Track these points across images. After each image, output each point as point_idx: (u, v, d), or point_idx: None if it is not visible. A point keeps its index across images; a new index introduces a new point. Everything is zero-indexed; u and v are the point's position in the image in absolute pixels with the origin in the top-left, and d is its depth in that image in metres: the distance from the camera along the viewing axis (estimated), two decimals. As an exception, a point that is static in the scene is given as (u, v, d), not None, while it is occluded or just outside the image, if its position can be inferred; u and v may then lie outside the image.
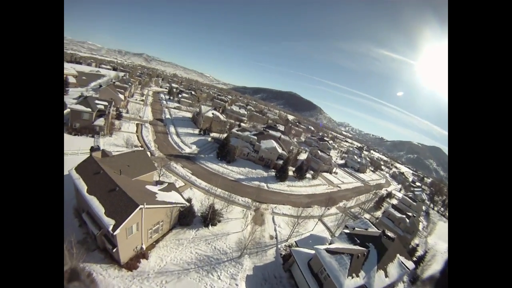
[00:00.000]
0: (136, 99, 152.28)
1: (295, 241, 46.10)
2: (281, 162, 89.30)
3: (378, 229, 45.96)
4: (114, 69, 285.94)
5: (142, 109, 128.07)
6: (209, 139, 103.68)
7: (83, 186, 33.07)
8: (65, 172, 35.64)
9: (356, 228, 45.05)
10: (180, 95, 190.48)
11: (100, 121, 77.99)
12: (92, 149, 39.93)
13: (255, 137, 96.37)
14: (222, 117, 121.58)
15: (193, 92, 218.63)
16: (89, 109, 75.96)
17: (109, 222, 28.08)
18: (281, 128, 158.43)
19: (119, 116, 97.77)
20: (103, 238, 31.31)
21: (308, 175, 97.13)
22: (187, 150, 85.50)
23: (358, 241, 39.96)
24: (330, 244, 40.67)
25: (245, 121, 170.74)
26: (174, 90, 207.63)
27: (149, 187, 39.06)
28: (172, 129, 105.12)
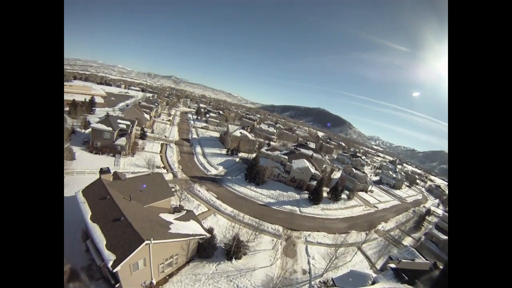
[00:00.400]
0: (162, 119, 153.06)
1: (332, 279, 38.21)
2: (314, 183, 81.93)
3: (426, 259, 40.84)
4: (143, 90, 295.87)
5: (168, 129, 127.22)
6: (237, 159, 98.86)
7: (87, 212, 29.39)
8: (72, 194, 33.79)
9: (402, 260, 39.41)
10: (207, 115, 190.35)
11: (122, 141, 75.94)
12: (102, 171, 35.73)
13: (286, 157, 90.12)
14: (250, 136, 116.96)
15: (221, 112, 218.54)
16: (110, 128, 74.44)
17: (109, 257, 23.48)
18: (312, 145, 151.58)
19: (143, 136, 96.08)
20: (106, 270, 26.48)
21: (343, 196, 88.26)
22: (213, 171, 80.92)
23: (407, 278, 33.67)
24: (374, 283, 33.94)
25: (275, 140, 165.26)
26: (202, 110, 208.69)
27: (163, 215, 33.84)
28: (198, 149, 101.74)
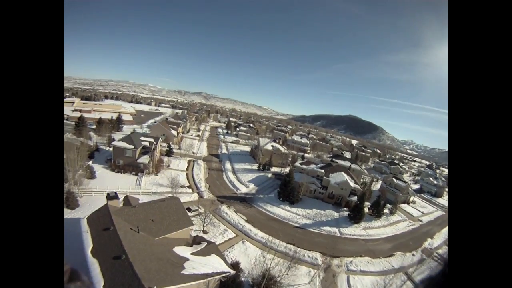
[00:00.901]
0: (191, 135, 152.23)
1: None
2: (354, 198, 73.91)
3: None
4: (173, 107, 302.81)
5: (196, 145, 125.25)
6: (269, 175, 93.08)
7: (88, 244, 25.93)
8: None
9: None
10: (238, 129, 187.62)
11: (144, 159, 73.64)
12: (108, 197, 31.59)
13: (322, 171, 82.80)
14: (283, 149, 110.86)
15: (251, 125, 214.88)
16: (131, 146, 72.68)
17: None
18: (348, 155, 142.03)
19: (169, 153, 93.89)
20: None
21: (385, 210, 78.40)
22: (243, 189, 75.88)
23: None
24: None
25: (308, 151, 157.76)
26: (232, 124, 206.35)
27: (178, 249, 28.84)
28: (227, 165, 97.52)
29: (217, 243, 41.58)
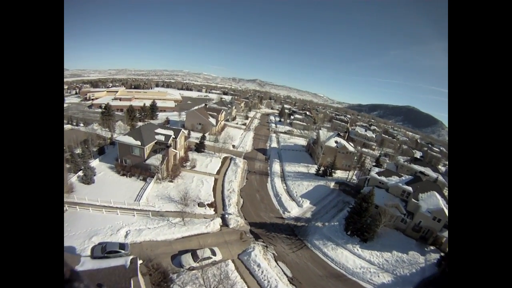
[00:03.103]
0: (237, 123, 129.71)
1: None
2: (445, 234, 45.05)
3: None
4: (225, 93, 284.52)
5: (240, 136, 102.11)
6: (332, 184, 65.91)
7: None
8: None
9: None
10: (292, 117, 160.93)
11: (155, 159, 52.60)
12: None
13: (410, 188, 51.93)
14: (350, 146, 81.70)
15: (307, 113, 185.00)
16: (138, 142, 52.07)
17: None
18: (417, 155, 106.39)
19: (200, 147, 71.57)
20: None
21: None
22: (293, 211, 50.64)
23: None
24: None
25: (374, 147, 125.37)
26: (286, 111, 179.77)
27: None
28: (276, 166, 72.69)
29: None
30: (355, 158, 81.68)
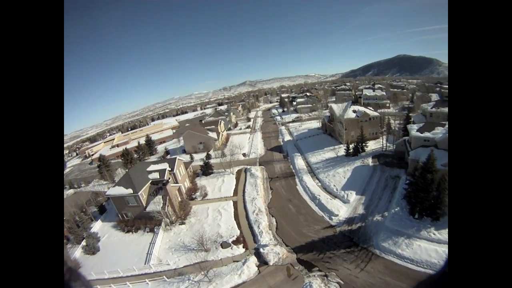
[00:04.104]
0: (240, 129, 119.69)
1: None
2: None
3: None
4: (219, 104, 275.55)
5: (248, 141, 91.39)
6: (370, 161, 53.94)
7: None
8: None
9: None
10: (294, 103, 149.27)
11: (155, 203, 42.72)
12: None
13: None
14: (371, 111, 69.40)
15: (308, 94, 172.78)
16: (129, 191, 42.33)
17: None
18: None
19: (207, 169, 61.21)
20: None
21: None
22: (341, 212, 39.26)
23: None
24: None
25: (387, 105, 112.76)
26: (286, 100, 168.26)
27: None
28: (299, 161, 61.84)
29: None
30: (383, 123, 70.28)
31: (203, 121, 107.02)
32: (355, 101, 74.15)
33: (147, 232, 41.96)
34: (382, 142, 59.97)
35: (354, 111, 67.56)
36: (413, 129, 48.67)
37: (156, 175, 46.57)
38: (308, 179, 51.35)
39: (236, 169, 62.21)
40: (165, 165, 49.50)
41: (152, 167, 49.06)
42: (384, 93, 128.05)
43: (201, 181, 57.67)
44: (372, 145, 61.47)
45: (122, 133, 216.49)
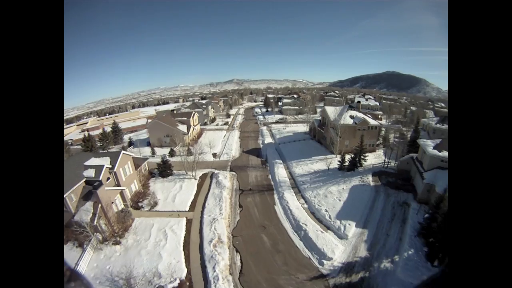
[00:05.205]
0: (217, 124, 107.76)
1: None
2: None
3: None
4: (202, 98, 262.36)
5: (222, 140, 79.23)
6: (370, 180, 42.85)
7: None
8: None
9: None
10: (280, 103, 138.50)
11: (85, 211, 29.51)
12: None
13: None
14: (370, 119, 58.61)
15: (295, 96, 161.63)
16: None
17: None
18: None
19: (165, 170, 48.43)
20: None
21: None
22: (336, 253, 27.26)
23: None
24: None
25: (380, 116, 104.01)
26: (271, 100, 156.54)
27: None
28: (280, 171, 50.34)
29: None
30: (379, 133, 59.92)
31: (175, 111, 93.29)
32: (358, 104, 64.58)
33: (76, 247, 29.28)
34: (384, 157, 49.11)
35: (352, 117, 56.61)
36: (429, 145, 37.96)
37: (91, 173, 33.58)
38: (290, 197, 39.44)
39: (201, 173, 49.86)
40: (105, 160, 36.50)
41: (91, 161, 35.94)
42: (378, 103, 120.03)
43: (155, 184, 45.01)
44: (370, 158, 50.59)
45: (99, 117, 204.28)
